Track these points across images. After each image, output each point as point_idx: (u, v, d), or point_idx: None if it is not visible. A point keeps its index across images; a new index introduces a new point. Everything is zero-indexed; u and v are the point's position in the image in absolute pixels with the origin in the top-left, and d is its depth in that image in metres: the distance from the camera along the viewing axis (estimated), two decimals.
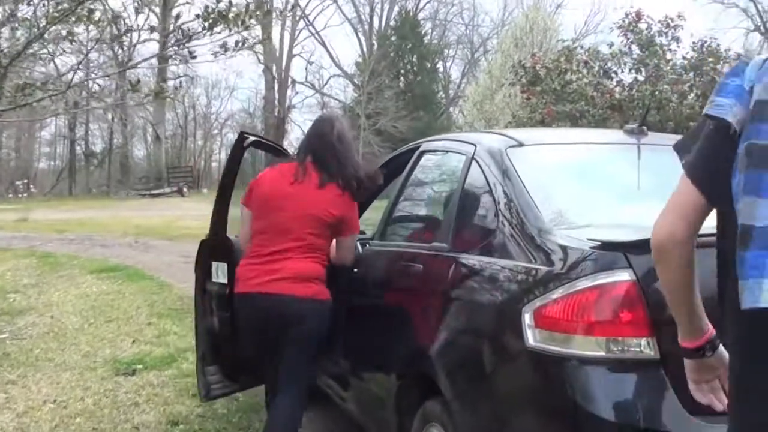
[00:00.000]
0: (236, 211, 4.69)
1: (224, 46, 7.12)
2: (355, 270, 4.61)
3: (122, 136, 50.96)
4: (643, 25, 14.06)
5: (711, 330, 2.13)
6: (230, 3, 7.01)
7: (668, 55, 14.21)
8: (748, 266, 1.95)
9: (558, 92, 13.86)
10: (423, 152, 4.54)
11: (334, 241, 4.40)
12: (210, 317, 5.07)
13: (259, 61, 51.06)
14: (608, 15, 46.60)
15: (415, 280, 3.77)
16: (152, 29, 7.78)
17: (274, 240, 4.26)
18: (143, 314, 9.21)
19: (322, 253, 4.33)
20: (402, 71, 50.73)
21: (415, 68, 50.53)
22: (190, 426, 5.38)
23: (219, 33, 7.02)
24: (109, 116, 48.50)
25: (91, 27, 6.83)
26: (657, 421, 2.61)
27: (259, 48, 47.78)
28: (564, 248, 2.88)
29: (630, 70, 14.17)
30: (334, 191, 4.27)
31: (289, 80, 52.51)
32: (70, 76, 8.62)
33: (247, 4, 7.16)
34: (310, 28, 52.94)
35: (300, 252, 4.23)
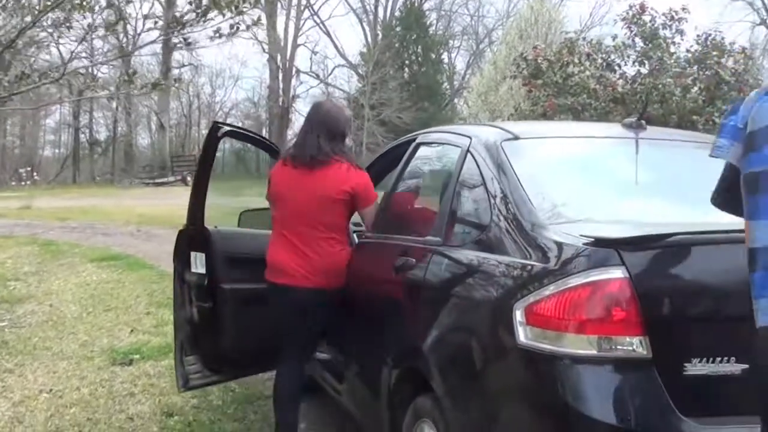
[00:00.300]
0: (214, 201, 4.74)
1: (218, 32, 7.09)
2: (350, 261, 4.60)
3: (126, 124, 50.92)
4: (647, 18, 13.98)
5: None
6: None
7: (672, 48, 14.13)
8: (758, 287, 2.15)
9: (559, 85, 13.78)
10: (419, 144, 4.51)
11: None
12: (189, 307, 5.05)
13: (263, 50, 50.99)
14: (613, 7, 46.28)
15: (408, 273, 3.74)
16: (146, 17, 7.72)
17: (291, 228, 4.48)
18: (142, 303, 9.20)
19: (341, 233, 4.54)
20: (407, 62, 50.57)
21: (419, 59, 50.37)
22: (184, 417, 5.37)
23: (213, 20, 6.99)
24: (114, 105, 48.47)
25: (88, 14, 6.80)
26: (649, 422, 2.58)
27: (262, 36, 47.79)
28: (556, 244, 2.85)
29: (633, 62, 14.10)
30: (339, 168, 4.41)
31: (294, 70, 52.35)
32: (71, 63, 8.62)
33: None
34: (315, 17, 52.77)
35: (315, 237, 4.44)
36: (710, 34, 14.15)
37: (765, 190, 2.14)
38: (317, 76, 53.99)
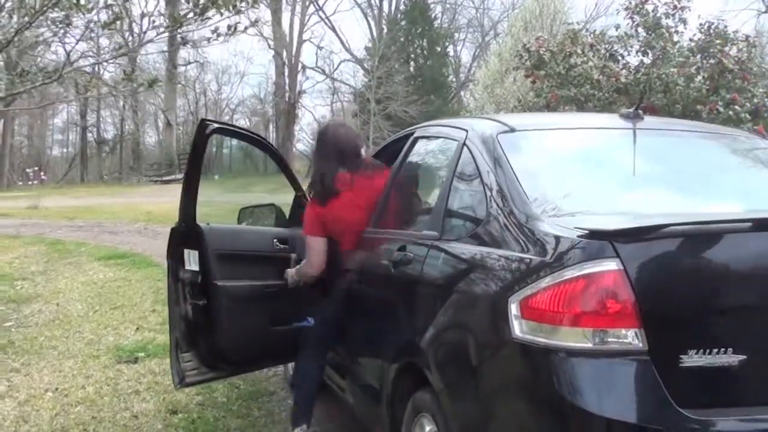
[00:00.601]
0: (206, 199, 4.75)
1: (216, 31, 7.09)
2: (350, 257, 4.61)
3: (133, 122, 51.06)
4: (649, 7, 13.91)
5: None
6: None
7: (675, 38, 14.06)
8: None
9: (562, 76, 13.73)
10: (417, 138, 4.50)
11: None
12: (183, 304, 5.05)
13: (269, 46, 51.05)
14: None
15: (405, 268, 3.74)
16: (143, 15, 7.69)
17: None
18: (148, 301, 9.22)
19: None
20: (412, 55, 50.52)
21: (425, 52, 50.30)
22: (189, 414, 5.38)
23: (211, 18, 6.98)
24: (120, 103, 48.61)
25: (87, 13, 6.80)
26: (645, 414, 2.57)
27: (268, 32, 47.80)
28: (551, 237, 2.83)
29: (636, 52, 14.04)
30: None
31: (300, 65, 52.38)
32: (77, 62, 8.63)
33: None
34: (320, 13, 52.84)
35: None
36: (713, 23, 14.08)
37: None
38: (323, 72, 54.07)
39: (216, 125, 5.11)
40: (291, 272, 4.96)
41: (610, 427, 2.55)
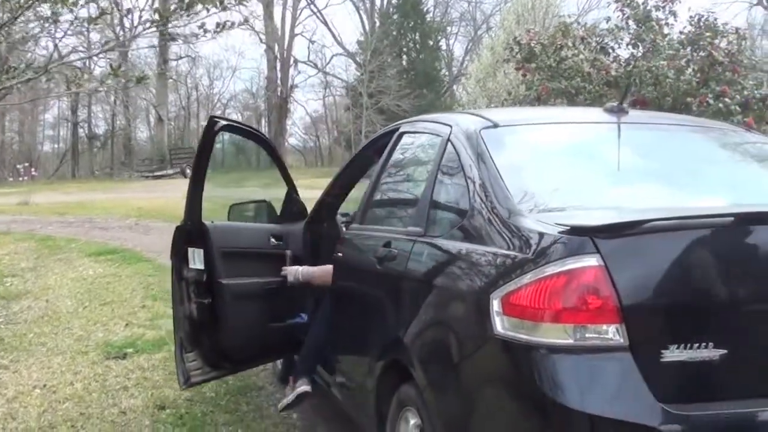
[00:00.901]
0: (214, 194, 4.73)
1: (203, 27, 7.06)
2: (338, 253, 4.61)
3: (125, 118, 50.91)
4: (639, 0, 13.90)
5: None
6: None
7: (665, 30, 14.06)
8: None
9: (553, 69, 13.72)
10: (402, 133, 4.50)
11: None
12: (188, 303, 5.04)
13: (260, 41, 50.93)
14: None
15: (390, 264, 3.74)
16: (128, 11, 7.65)
17: None
18: (138, 297, 9.20)
19: None
20: (404, 49, 50.45)
21: (417, 46, 50.24)
22: (177, 410, 5.38)
23: (198, 14, 6.96)
24: (112, 99, 48.45)
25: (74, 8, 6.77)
26: (626, 410, 2.57)
27: (260, 27, 47.70)
28: (532, 233, 2.83)
29: (627, 45, 14.03)
30: None
31: (292, 60, 52.28)
32: (68, 57, 8.59)
33: None
34: (312, 6, 52.66)
35: None
36: (703, 15, 14.07)
37: None
38: (315, 66, 53.95)
39: (224, 122, 5.09)
40: (292, 270, 4.98)
41: (592, 423, 2.56)
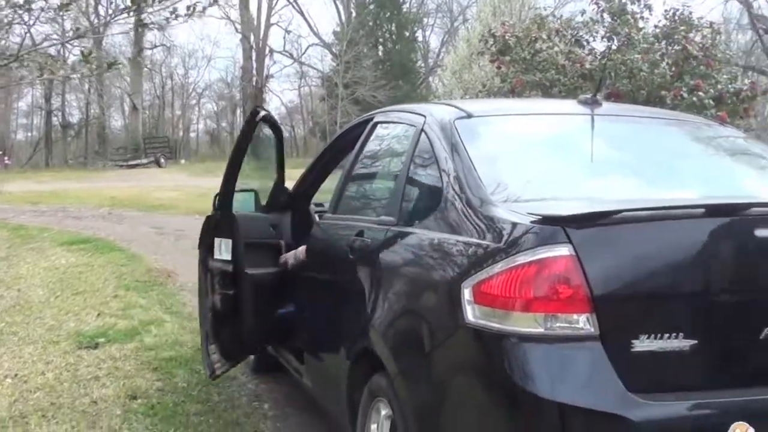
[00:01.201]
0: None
1: (174, 12, 7.00)
2: (310, 242, 4.60)
3: (99, 106, 50.53)
4: None
5: None
6: None
7: (640, 24, 14.12)
8: None
9: (528, 61, 13.75)
10: (376, 123, 4.49)
11: None
12: (212, 295, 5.02)
13: (236, 30, 50.71)
14: None
15: (363, 254, 3.73)
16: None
17: None
18: (110, 287, 9.15)
19: None
20: (380, 40, 50.42)
21: (393, 37, 50.20)
22: (148, 400, 5.35)
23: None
24: (86, 87, 48.09)
25: None
26: (597, 400, 2.58)
27: (235, 16, 47.47)
28: (504, 222, 2.84)
29: (602, 38, 14.08)
30: None
31: (267, 49, 52.10)
32: (37, 45, 8.49)
33: None
34: None
35: None
36: (678, 9, 14.15)
37: None
38: (291, 56, 53.82)
39: (264, 113, 5.06)
40: (290, 255, 5.01)
41: (562, 412, 2.57)
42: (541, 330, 2.62)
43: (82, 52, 7.12)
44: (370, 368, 3.47)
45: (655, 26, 14.05)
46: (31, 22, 7.98)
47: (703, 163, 3.89)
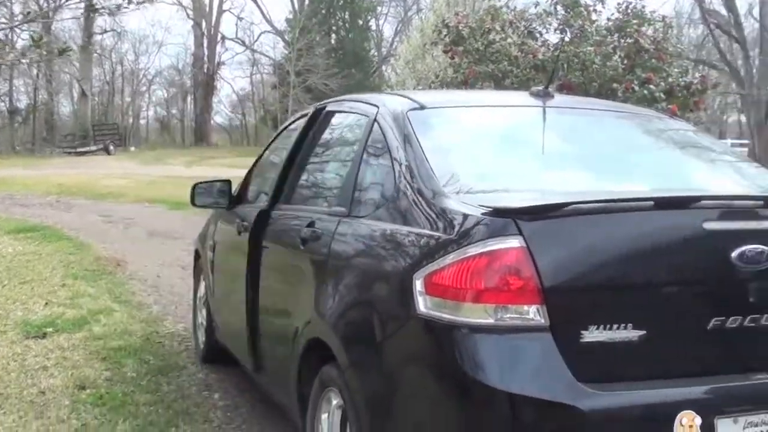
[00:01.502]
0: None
1: None
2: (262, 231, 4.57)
3: (47, 92, 49.76)
4: None
5: None
6: None
7: (593, 17, 14.26)
8: None
9: (481, 52, 13.82)
10: (329, 113, 4.48)
11: None
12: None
13: (188, 16, 50.25)
14: None
15: (314, 244, 3.72)
16: None
17: None
18: (58, 275, 9.02)
19: None
20: (334, 28, 50.31)
21: (347, 25, 50.12)
22: (97, 390, 5.29)
23: None
24: (34, 72, 47.30)
25: None
26: (547, 389, 2.60)
27: (187, 1, 46.98)
28: (456, 214, 2.84)
29: (555, 30, 14.22)
30: None
31: (219, 36, 51.71)
32: None
33: None
34: None
35: None
36: (631, 3, 14.30)
37: None
38: (243, 43, 53.54)
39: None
40: None
41: (512, 402, 2.58)
42: (491, 321, 2.63)
43: (32, 37, 6.99)
44: (321, 359, 3.46)
45: (608, 19, 14.21)
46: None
47: (654, 156, 3.93)
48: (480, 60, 13.79)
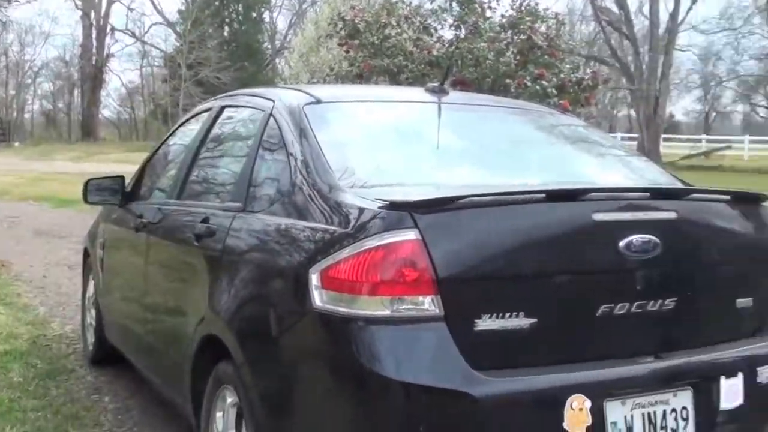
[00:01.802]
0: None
1: None
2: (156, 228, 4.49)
3: None
4: None
5: None
6: None
7: (488, 13, 14.48)
8: None
9: (376, 46, 13.88)
10: (223, 107, 4.43)
11: None
12: None
13: (76, 6, 48.95)
14: None
15: (208, 241, 3.67)
16: None
17: None
18: None
19: None
20: (227, 20, 49.75)
21: (240, 17, 49.66)
22: None
23: None
24: None
25: None
26: (441, 378, 2.63)
27: None
28: (352, 208, 2.85)
29: (450, 26, 14.38)
30: None
31: (108, 27, 50.54)
32: None
33: None
34: None
35: None
36: (524, 0, 14.58)
37: None
38: (133, 35, 52.51)
39: None
40: None
41: (408, 391, 2.60)
42: (387, 312, 2.64)
43: None
44: (216, 356, 3.42)
45: (502, 16, 14.46)
46: None
47: (546, 151, 4.03)
48: (375, 54, 13.84)
